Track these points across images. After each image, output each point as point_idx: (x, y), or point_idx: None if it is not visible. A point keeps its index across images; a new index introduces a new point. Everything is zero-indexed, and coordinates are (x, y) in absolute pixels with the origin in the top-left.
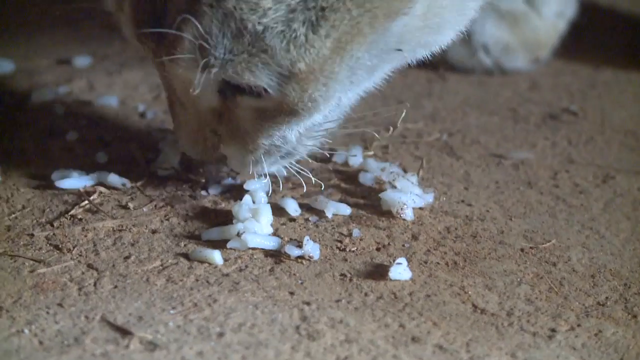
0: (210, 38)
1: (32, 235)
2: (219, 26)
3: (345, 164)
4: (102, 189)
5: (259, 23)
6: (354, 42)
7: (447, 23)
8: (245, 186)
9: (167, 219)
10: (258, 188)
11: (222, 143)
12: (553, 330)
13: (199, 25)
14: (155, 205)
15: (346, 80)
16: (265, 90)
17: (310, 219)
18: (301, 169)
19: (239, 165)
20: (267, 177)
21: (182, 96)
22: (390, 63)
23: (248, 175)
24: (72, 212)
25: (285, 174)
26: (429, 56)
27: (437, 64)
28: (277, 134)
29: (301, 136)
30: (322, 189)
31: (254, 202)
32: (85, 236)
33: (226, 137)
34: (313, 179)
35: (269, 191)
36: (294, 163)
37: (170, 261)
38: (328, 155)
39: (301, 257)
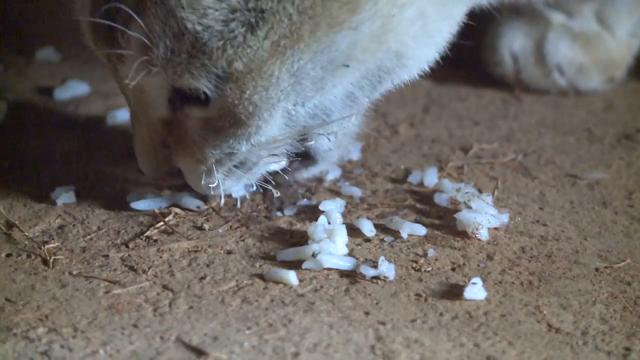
0: (153, 36)
1: (107, 256)
2: (161, 25)
3: (421, 184)
4: (177, 210)
5: (198, 23)
6: (294, 47)
7: (410, 50)
8: (321, 207)
9: (242, 240)
10: (333, 209)
11: (172, 155)
12: (628, 349)
13: (141, 23)
14: (231, 226)
15: (290, 89)
16: (205, 94)
17: (385, 239)
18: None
19: (194, 179)
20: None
21: (135, 106)
22: (342, 80)
23: (204, 191)
24: (147, 233)
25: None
26: (406, 82)
27: (513, 85)
28: (225, 145)
29: (253, 147)
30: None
31: (329, 223)
32: (161, 257)
33: (175, 148)
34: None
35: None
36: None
37: (245, 282)
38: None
39: (376, 277)
